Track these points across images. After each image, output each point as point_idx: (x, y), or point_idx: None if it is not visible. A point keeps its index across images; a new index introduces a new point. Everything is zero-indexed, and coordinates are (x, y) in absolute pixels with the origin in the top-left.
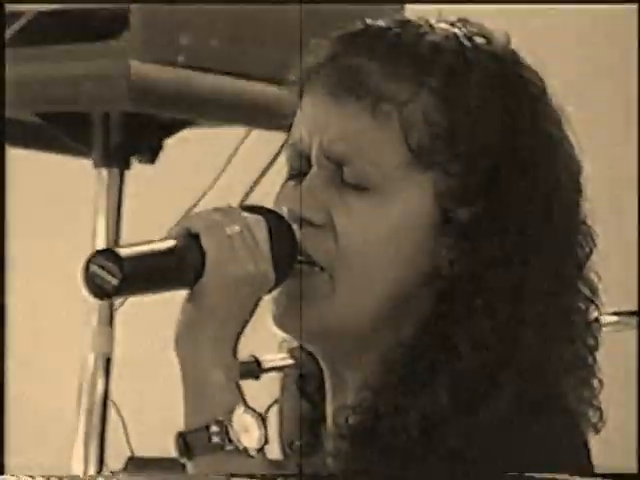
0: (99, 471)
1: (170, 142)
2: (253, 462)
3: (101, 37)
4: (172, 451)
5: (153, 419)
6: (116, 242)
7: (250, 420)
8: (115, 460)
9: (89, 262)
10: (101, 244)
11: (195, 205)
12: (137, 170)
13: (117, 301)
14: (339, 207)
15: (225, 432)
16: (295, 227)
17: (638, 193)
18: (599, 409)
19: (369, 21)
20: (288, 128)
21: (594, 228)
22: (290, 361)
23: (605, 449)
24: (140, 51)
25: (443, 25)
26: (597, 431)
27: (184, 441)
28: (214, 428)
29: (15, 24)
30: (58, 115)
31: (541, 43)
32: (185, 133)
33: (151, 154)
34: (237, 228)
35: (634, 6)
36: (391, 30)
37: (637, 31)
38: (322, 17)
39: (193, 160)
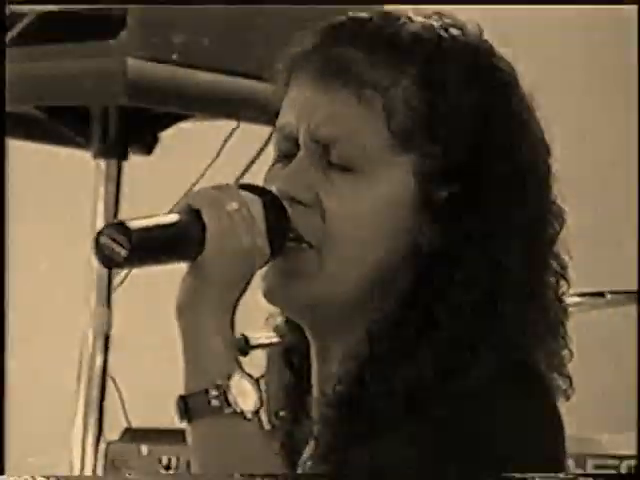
0: (97, 441)
1: (165, 134)
2: (249, 424)
3: (100, 36)
4: (166, 423)
5: (149, 392)
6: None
7: (247, 385)
8: (112, 431)
9: (100, 234)
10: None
11: (188, 191)
12: (134, 161)
13: (116, 282)
14: (326, 187)
15: (224, 396)
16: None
17: (638, 183)
18: (568, 377)
19: (351, 13)
20: (276, 116)
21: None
22: (276, 339)
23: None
24: (137, 49)
25: (421, 17)
26: (567, 398)
27: (185, 404)
28: (213, 392)
29: (19, 24)
30: (59, 109)
31: (541, 43)
32: (179, 127)
33: (147, 146)
34: (235, 205)
35: (634, 7)
36: (373, 21)
37: (637, 31)
38: (307, 16)
39: (187, 151)
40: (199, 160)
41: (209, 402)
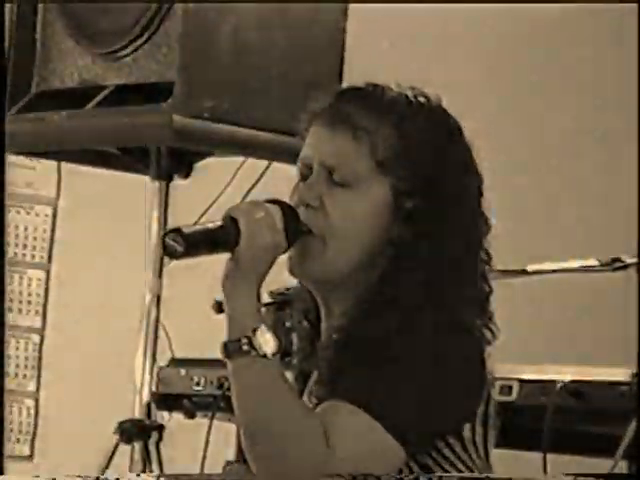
0: (152, 365)
1: (197, 165)
2: (270, 362)
3: (156, 100)
4: (198, 355)
5: (187, 334)
6: (165, 225)
7: (268, 335)
8: (162, 360)
9: (165, 235)
10: (154, 228)
11: (211, 205)
12: (177, 182)
13: (166, 261)
14: (329, 197)
15: (250, 343)
16: (302, 209)
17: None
18: (492, 331)
19: (352, 84)
20: (294, 156)
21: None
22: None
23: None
24: (180, 109)
25: (398, 88)
26: (490, 344)
27: (225, 347)
28: (244, 340)
29: (102, 92)
30: (129, 148)
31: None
32: (207, 160)
33: (186, 173)
34: (262, 214)
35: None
36: (367, 88)
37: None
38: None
39: (212, 176)
40: (219, 182)
41: (241, 347)
